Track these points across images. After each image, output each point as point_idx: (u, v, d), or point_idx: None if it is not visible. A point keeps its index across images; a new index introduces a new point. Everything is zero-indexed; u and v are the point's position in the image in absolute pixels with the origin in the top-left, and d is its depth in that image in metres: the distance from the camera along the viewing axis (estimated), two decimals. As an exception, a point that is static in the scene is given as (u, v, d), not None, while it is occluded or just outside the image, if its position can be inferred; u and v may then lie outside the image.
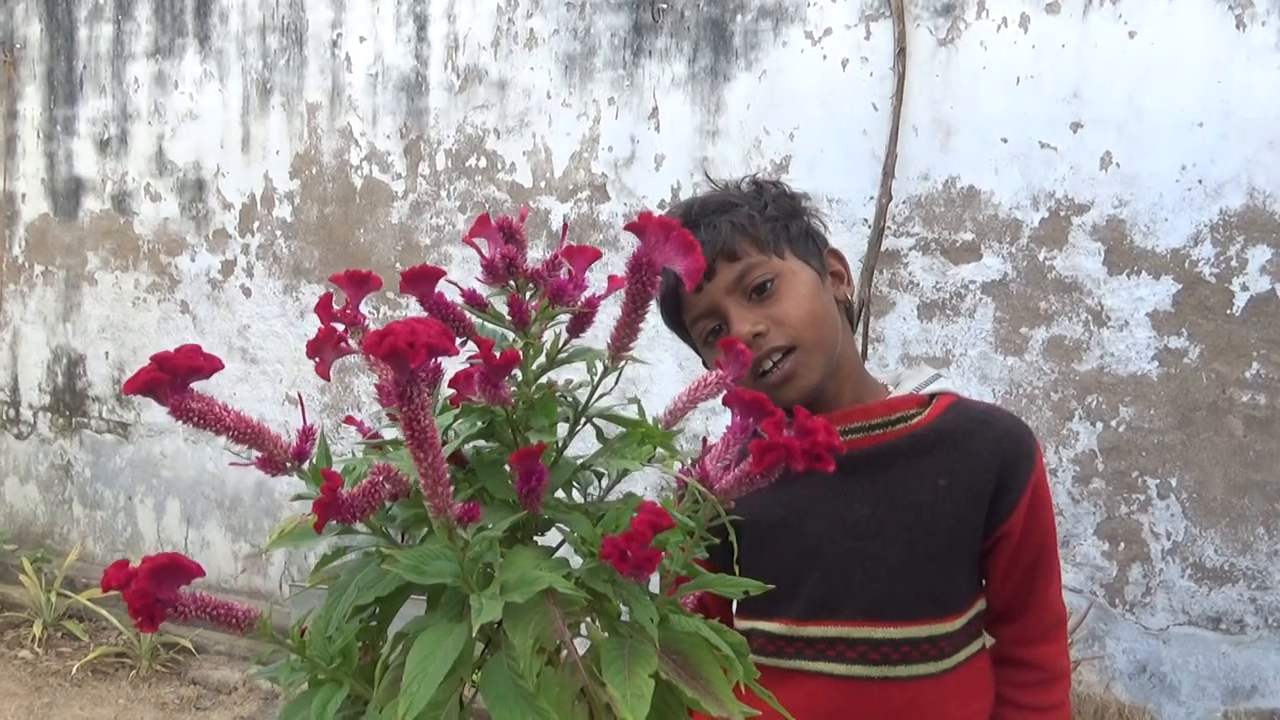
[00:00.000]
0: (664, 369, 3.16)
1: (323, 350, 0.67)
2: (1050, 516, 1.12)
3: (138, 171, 4.32)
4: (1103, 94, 2.73)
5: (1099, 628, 2.76)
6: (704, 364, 1.14)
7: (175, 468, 4.27)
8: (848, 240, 2.96)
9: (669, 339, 1.19)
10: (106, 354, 4.44)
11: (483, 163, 3.59)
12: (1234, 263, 2.62)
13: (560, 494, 0.69)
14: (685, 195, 3.22)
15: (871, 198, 2.98)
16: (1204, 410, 2.66)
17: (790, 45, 3.10)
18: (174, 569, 0.56)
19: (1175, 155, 2.66)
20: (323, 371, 0.67)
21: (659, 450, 0.68)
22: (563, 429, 0.69)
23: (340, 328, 0.69)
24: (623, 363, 0.69)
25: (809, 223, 1.12)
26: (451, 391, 0.66)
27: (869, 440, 1.08)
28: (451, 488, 0.59)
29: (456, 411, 0.67)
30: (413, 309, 0.70)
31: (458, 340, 0.66)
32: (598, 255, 0.68)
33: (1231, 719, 2.63)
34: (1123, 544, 2.74)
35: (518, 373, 0.67)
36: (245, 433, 0.60)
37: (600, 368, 0.69)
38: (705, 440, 0.68)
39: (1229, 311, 2.63)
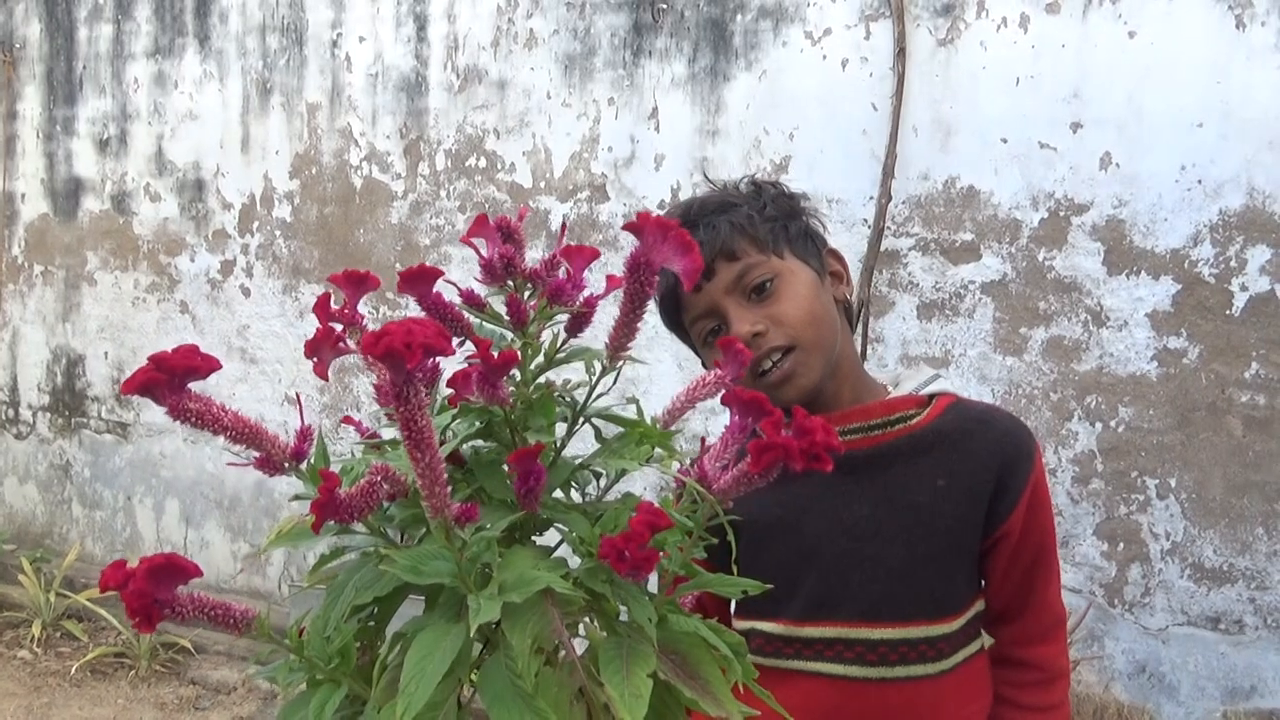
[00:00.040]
0: (663, 369, 3.16)
1: (321, 350, 0.67)
2: (1049, 517, 1.12)
3: (137, 171, 4.31)
4: (1102, 94, 2.73)
5: (1098, 628, 2.76)
6: (703, 364, 1.14)
7: (174, 468, 4.27)
8: (847, 240, 2.96)
9: (668, 339, 1.19)
10: (106, 354, 4.44)
11: (482, 163, 3.59)
12: (1233, 263, 2.62)
13: (558, 494, 0.69)
14: (685, 195, 3.22)
15: (871, 198, 2.98)
16: (1203, 410, 2.66)
17: (790, 45, 3.10)
18: (171, 569, 0.56)
19: (1175, 155, 2.66)
20: (321, 371, 0.67)
21: (657, 450, 0.68)
22: (561, 429, 0.69)
23: (338, 328, 0.69)
24: (621, 363, 0.69)
25: (808, 223, 1.12)
26: (450, 391, 0.66)
27: (868, 441, 1.08)
28: (449, 488, 0.59)
29: (455, 411, 0.67)
30: (412, 309, 0.70)
31: (456, 340, 0.66)
32: (596, 255, 0.68)
33: (1230, 719, 2.63)
34: (1122, 544, 2.75)
35: (516, 373, 0.67)
36: (243, 433, 0.60)
37: (598, 368, 0.69)
38: (703, 440, 0.68)
39: (1228, 312, 2.63)
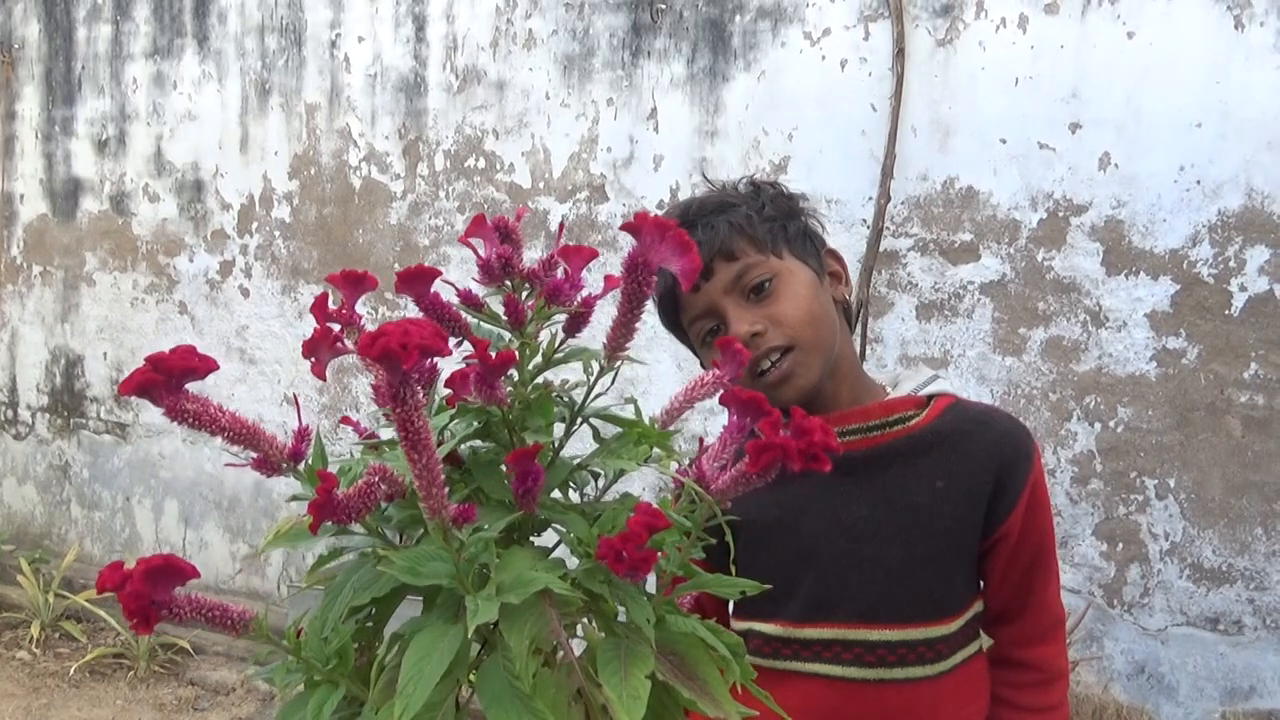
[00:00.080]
0: (662, 369, 3.16)
1: (319, 350, 0.66)
2: (1048, 517, 1.12)
3: (136, 172, 4.31)
4: (1101, 94, 2.73)
5: (1097, 628, 2.76)
6: (701, 365, 1.14)
7: (173, 468, 4.27)
8: (846, 241, 2.96)
9: (667, 339, 1.19)
10: (105, 354, 4.44)
11: (481, 163, 3.59)
12: (1232, 263, 2.62)
13: (556, 494, 0.69)
14: (684, 196, 3.22)
15: (870, 198, 2.98)
16: (1202, 411, 2.66)
17: (789, 46, 3.10)
18: (169, 571, 0.56)
19: (1174, 156, 2.66)
20: (319, 372, 0.67)
21: (656, 450, 0.68)
22: (559, 429, 0.69)
23: (336, 328, 0.69)
24: (619, 363, 0.69)
25: (807, 223, 1.12)
26: (448, 391, 0.66)
27: (867, 441, 1.08)
28: (447, 488, 0.59)
29: (452, 411, 0.67)
30: (411, 309, 0.70)
31: (454, 340, 0.66)
32: (594, 255, 0.68)
33: (1230, 719, 2.63)
34: (1121, 545, 2.74)
35: (514, 373, 0.67)
36: (240, 434, 0.60)
37: (596, 368, 0.69)
38: (702, 440, 0.68)
39: (1227, 312, 2.63)
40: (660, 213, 0.75)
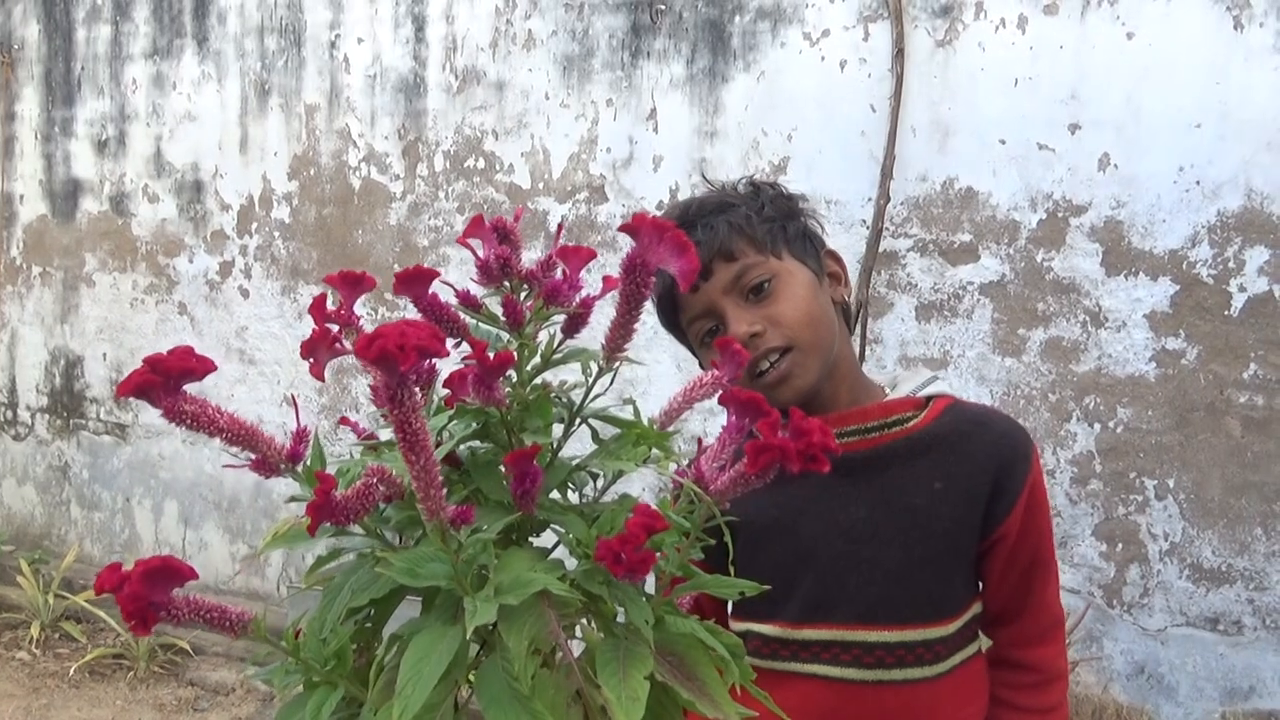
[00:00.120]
0: (662, 369, 3.16)
1: (317, 351, 0.66)
2: (1047, 518, 1.11)
3: (136, 173, 4.31)
4: (1101, 95, 2.73)
5: (1097, 629, 2.76)
6: (700, 365, 1.14)
7: (173, 469, 4.27)
8: (846, 241, 2.95)
9: (667, 340, 1.19)
10: (104, 355, 4.43)
11: (481, 164, 3.59)
12: (1232, 264, 2.62)
13: (555, 495, 0.69)
14: (683, 196, 3.21)
15: (870, 199, 2.98)
16: (1202, 411, 2.66)
17: (788, 46, 3.10)
18: (167, 572, 0.56)
19: (1173, 156, 2.66)
20: (317, 372, 0.67)
21: (655, 451, 0.68)
22: (558, 430, 0.69)
23: (335, 329, 0.69)
24: (618, 363, 0.69)
25: (806, 224, 1.12)
26: (447, 392, 0.66)
27: (865, 443, 1.08)
28: (445, 489, 0.59)
29: (451, 412, 0.67)
30: (410, 310, 0.69)
31: (452, 342, 0.66)
32: (593, 255, 0.68)
33: (1229, 720, 2.63)
34: (1120, 545, 2.74)
35: (512, 374, 0.67)
36: (238, 435, 0.60)
37: (595, 368, 0.69)
38: (701, 441, 0.68)
39: (1227, 312, 2.63)
40: (659, 213, 0.75)
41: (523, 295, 0.69)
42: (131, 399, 0.56)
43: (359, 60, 3.80)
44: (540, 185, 3.48)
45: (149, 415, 4.30)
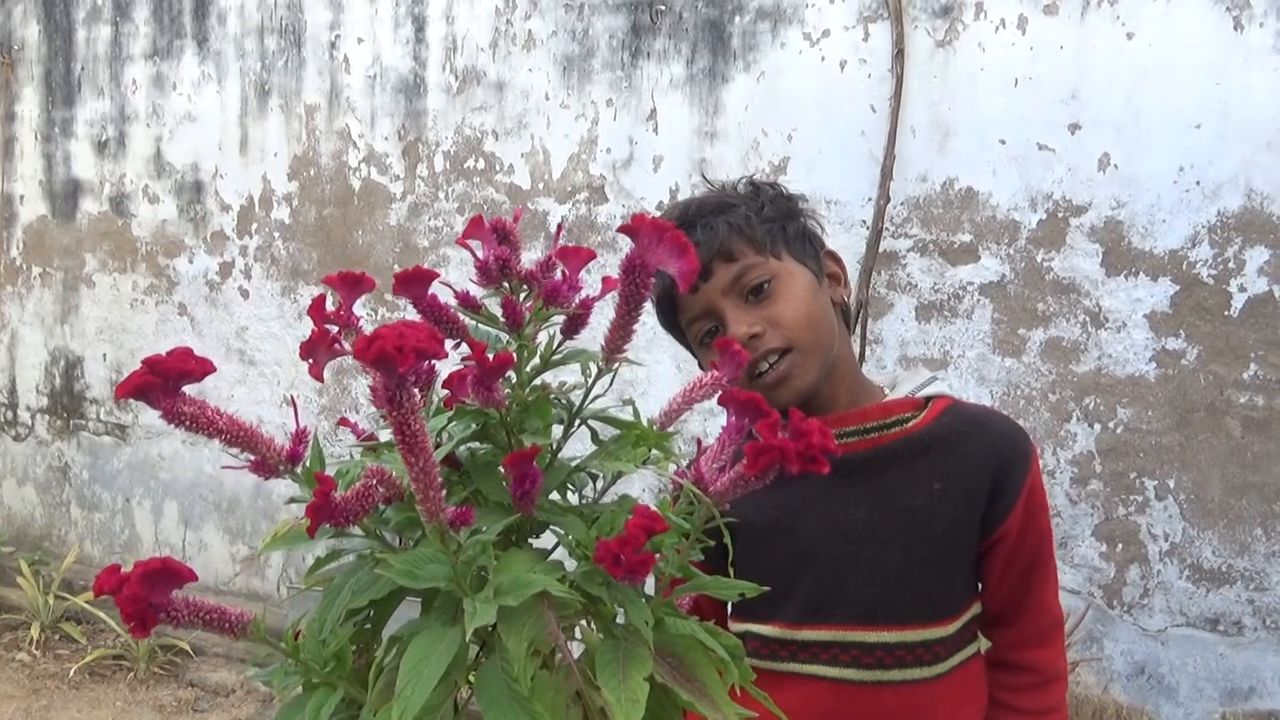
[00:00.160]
0: (662, 370, 3.16)
1: (316, 352, 0.66)
2: (1046, 519, 1.11)
3: (136, 173, 4.31)
4: (1101, 95, 2.73)
5: (1097, 629, 2.76)
6: (700, 366, 1.14)
7: (173, 470, 4.27)
8: (846, 242, 2.95)
9: (667, 340, 1.19)
10: (104, 356, 4.43)
11: (481, 164, 3.59)
12: (1232, 264, 2.62)
13: (555, 496, 0.69)
14: (683, 197, 3.21)
15: (870, 199, 2.98)
16: (1202, 411, 2.66)
17: (788, 47, 3.10)
18: (166, 574, 0.56)
19: (1173, 156, 2.66)
20: (316, 373, 0.67)
21: (654, 452, 0.68)
22: (557, 431, 0.69)
23: (334, 329, 0.69)
24: (617, 364, 0.69)
25: (806, 224, 1.12)
26: (446, 393, 0.66)
27: (864, 443, 1.08)
28: (445, 490, 0.59)
29: (451, 414, 0.67)
30: (410, 311, 0.69)
31: (451, 343, 0.66)
32: (592, 256, 0.68)
33: (1230, 720, 2.63)
34: (1120, 545, 2.74)
35: (512, 375, 0.67)
36: (238, 436, 0.60)
37: (595, 369, 0.69)
38: (700, 442, 0.68)
39: (1227, 313, 2.63)
40: (659, 214, 0.75)
41: (522, 296, 0.69)
42: (131, 400, 0.56)
43: (359, 60, 3.80)
44: (540, 186, 3.48)
45: (149, 416, 4.29)
